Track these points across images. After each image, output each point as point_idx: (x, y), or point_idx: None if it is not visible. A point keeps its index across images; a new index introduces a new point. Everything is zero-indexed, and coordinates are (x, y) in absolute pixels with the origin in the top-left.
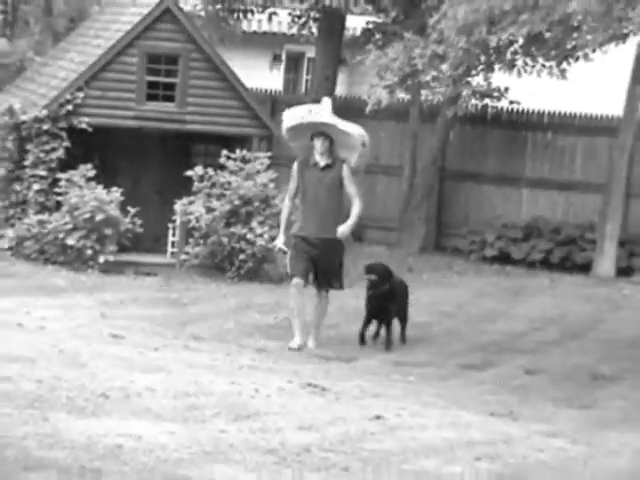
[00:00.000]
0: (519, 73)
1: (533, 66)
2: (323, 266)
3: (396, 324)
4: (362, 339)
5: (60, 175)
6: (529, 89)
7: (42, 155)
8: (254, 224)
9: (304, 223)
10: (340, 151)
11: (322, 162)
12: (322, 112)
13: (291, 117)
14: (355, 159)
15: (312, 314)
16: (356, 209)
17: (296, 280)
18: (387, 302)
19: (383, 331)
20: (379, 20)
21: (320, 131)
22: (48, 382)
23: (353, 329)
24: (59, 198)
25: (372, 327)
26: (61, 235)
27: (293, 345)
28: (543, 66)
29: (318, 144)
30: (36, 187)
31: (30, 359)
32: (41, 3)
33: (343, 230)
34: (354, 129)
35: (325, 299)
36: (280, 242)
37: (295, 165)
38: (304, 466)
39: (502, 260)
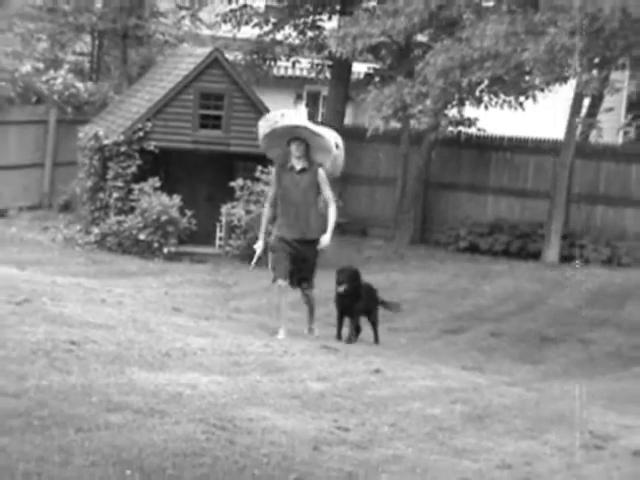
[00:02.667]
0: (485, 107)
1: (496, 102)
2: (298, 266)
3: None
4: (339, 337)
5: (134, 186)
6: (493, 119)
7: (120, 170)
8: None
9: (283, 225)
10: (315, 155)
11: (298, 166)
12: (294, 116)
13: (265, 124)
14: (329, 162)
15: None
16: (332, 215)
17: (280, 281)
18: (353, 301)
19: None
20: (378, 66)
21: (296, 136)
22: (124, 344)
23: None
24: (133, 203)
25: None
26: (134, 232)
27: (279, 337)
28: (504, 101)
29: (294, 148)
30: (115, 195)
31: (111, 326)
32: (119, 54)
33: (324, 241)
34: (326, 132)
35: (309, 296)
36: (259, 247)
37: (274, 170)
38: (320, 408)
39: (472, 250)
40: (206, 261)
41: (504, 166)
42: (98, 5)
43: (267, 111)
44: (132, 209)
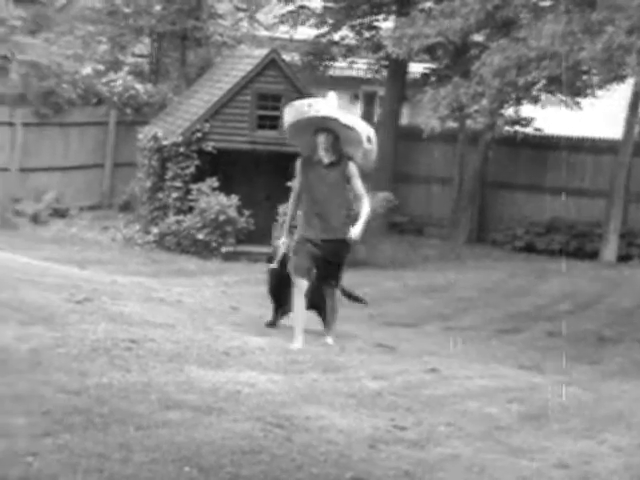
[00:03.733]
0: (542, 106)
1: (553, 101)
2: (324, 266)
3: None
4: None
5: (192, 186)
6: (549, 118)
7: (179, 171)
8: None
9: (306, 224)
10: (345, 147)
11: (326, 159)
12: (324, 106)
13: (292, 112)
14: (360, 156)
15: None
16: (365, 208)
17: (300, 281)
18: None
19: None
20: (434, 66)
21: (323, 126)
22: (183, 342)
23: (411, 302)
24: (191, 203)
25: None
26: (193, 231)
27: (293, 347)
28: (561, 100)
29: (322, 140)
30: (174, 195)
31: (170, 325)
32: (177, 56)
33: (355, 232)
34: (358, 123)
35: (332, 297)
36: (283, 243)
37: (298, 163)
38: (377, 406)
39: (529, 250)
40: (263, 260)
41: (561, 165)
42: (157, 7)
43: None
44: (190, 209)
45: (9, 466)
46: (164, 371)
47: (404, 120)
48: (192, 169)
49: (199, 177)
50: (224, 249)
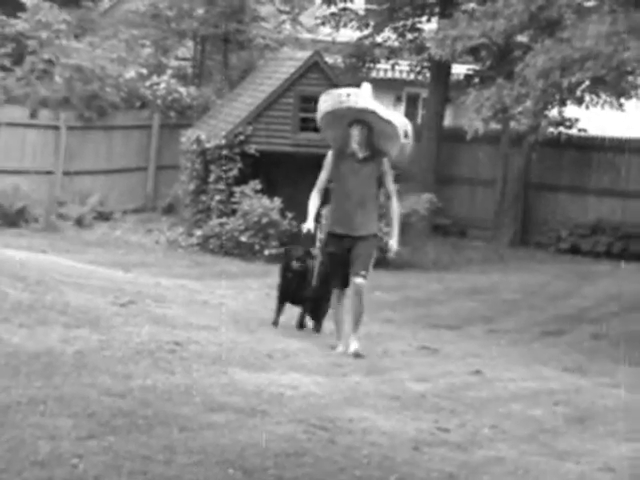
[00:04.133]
0: (587, 107)
1: (597, 102)
2: (353, 255)
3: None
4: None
5: (235, 188)
6: (594, 119)
7: (222, 174)
8: (381, 225)
9: (337, 219)
10: (379, 142)
11: (360, 153)
12: (362, 97)
13: (329, 101)
14: (395, 151)
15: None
16: (397, 212)
17: (336, 291)
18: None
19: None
20: (477, 68)
21: (359, 118)
22: (227, 345)
23: (455, 304)
24: (234, 206)
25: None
26: (236, 234)
27: (337, 351)
28: (605, 101)
29: (356, 132)
30: (217, 198)
31: (213, 327)
32: (220, 59)
33: (393, 247)
34: (396, 117)
35: (359, 291)
36: (308, 226)
37: (330, 155)
38: (420, 409)
39: (573, 252)
40: None
41: (606, 167)
42: (200, 11)
43: None
44: (234, 212)
45: (54, 467)
46: (208, 373)
47: (447, 122)
48: (235, 172)
49: (242, 180)
50: (267, 251)
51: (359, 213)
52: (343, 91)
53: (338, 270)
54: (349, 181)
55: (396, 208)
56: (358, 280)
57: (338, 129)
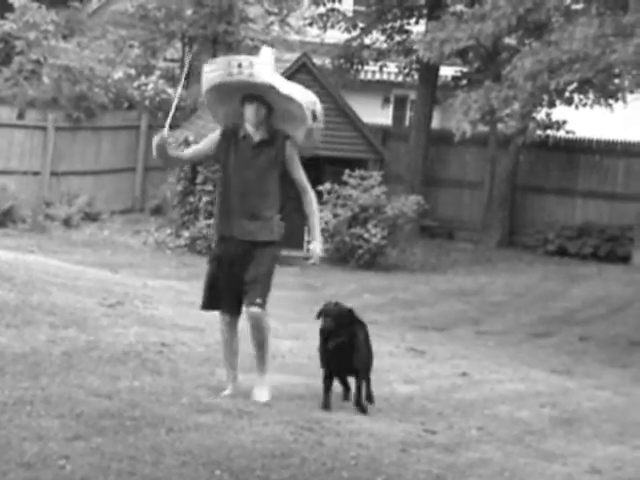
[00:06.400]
0: (576, 107)
1: (585, 103)
2: (247, 276)
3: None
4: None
5: None
6: (582, 121)
7: (209, 174)
8: (369, 226)
9: (226, 219)
10: (280, 124)
11: (256, 136)
12: (257, 68)
13: (215, 71)
14: (302, 137)
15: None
16: (315, 210)
17: (221, 317)
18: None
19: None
20: (465, 70)
21: (254, 94)
22: (213, 346)
23: (442, 306)
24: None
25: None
26: None
27: (224, 395)
28: (593, 101)
29: (250, 111)
30: (205, 199)
31: (200, 329)
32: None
33: (316, 252)
34: (301, 94)
35: (256, 324)
36: (163, 136)
37: (216, 135)
38: (408, 411)
39: (560, 253)
40: (295, 264)
41: (593, 169)
42: (189, 12)
43: (354, 115)
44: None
45: (41, 469)
46: (195, 374)
47: (435, 124)
48: None
49: None
50: None
51: (255, 211)
52: (234, 59)
53: (228, 286)
54: (241, 171)
55: (314, 203)
56: (253, 310)
57: (230, 105)
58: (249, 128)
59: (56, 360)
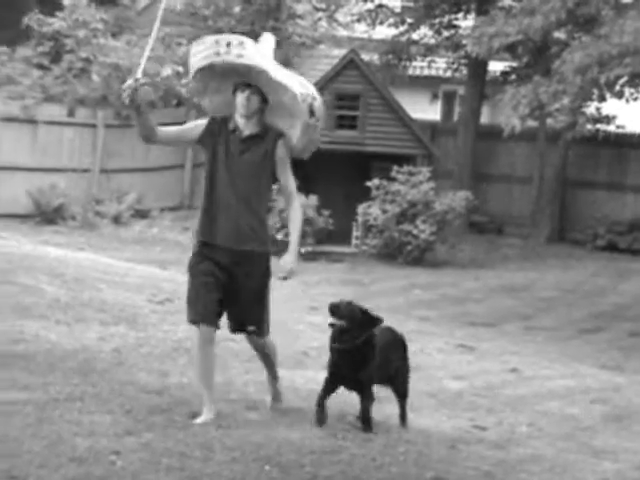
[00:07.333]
0: (627, 101)
1: (636, 97)
2: (236, 296)
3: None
4: (321, 418)
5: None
6: (631, 116)
7: None
8: (418, 222)
9: (207, 223)
10: (274, 117)
11: (246, 130)
12: (248, 48)
13: (201, 52)
14: (298, 134)
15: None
16: (298, 219)
17: (202, 328)
18: (360, 363)
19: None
20: (514, 65)
21: (247, 82)
22: None
23: (492, 302)
24: (270, 204)
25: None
26: (272, 232)
27: (199, 421)
28: None
29: (241, 100)
30: None
31: None
32: None
33: (287, 264)
34: (298, 85)
35: (263, 346)
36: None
37: (203, 122)
38: (457, 407)
39: (610, 249)
40: (343, 260)
41: None
42: (237, 9)
43: (402, 111)
44: (269, 209)
45: (92, 464)
46: (244, 371)
47: (484, 119)
48: None
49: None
50: (303, 249)
51: (243, 215)
52: (223, 38)
53: (207, 293)
54: (228, 167)
55: (298, 214)
56: (259, 341)
57: (219, 94)
58: (239, 120)
59: (106, 357)
